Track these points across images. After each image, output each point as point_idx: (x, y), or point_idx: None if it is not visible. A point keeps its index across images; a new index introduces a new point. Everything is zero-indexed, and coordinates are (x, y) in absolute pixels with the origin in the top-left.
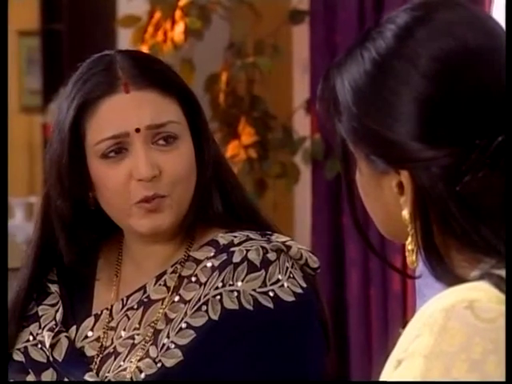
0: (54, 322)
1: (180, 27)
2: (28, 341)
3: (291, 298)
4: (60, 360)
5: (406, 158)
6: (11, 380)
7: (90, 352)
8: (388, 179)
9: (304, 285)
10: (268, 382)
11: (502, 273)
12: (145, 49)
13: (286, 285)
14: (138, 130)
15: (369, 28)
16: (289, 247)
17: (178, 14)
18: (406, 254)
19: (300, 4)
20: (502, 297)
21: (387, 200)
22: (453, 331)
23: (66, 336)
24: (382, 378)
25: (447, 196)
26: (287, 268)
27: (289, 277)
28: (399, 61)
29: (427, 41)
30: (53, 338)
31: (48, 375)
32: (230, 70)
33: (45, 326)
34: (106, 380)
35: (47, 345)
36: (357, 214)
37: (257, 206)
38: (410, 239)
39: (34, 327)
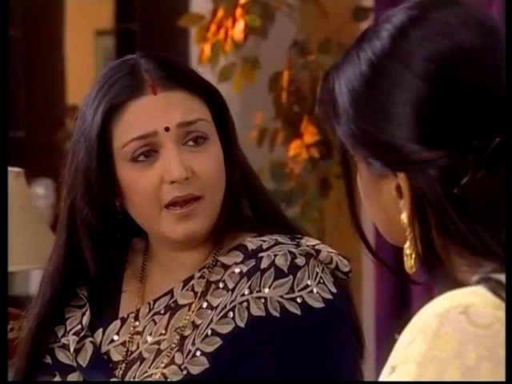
0: (80, 326)
1: (240, 25)
2: (54, 342)
3: (320, 304)
4: (84, 365)
5: (402, 160)
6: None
7: (115, 357)
8: (387, 182)
9: (334, 290)
10: (273, 382)
11: (501, 277)
12: (207, 47)
13: (315, 290)
14: (167, 129)
15: (367, 28)
16: (318, 251)
17: (238, 11)
18: (404, 258)
19: (364, 1)
20: (499, 302)
21: (387, 204)
22: (446, 337)
23: (91, 341)
24: None
25: (444, 198)
26: (317, 273)
27: (318, 282)
28: (393, 62)
29: (421, 41)
30: (78, 342)
31: (74, 378)
32: (292, 69)
33: (70, 330)
34: None
35: (71, 349)
36: (357, 218)
37: (283, 210)
38: (408, 243)
39: (59, 329)
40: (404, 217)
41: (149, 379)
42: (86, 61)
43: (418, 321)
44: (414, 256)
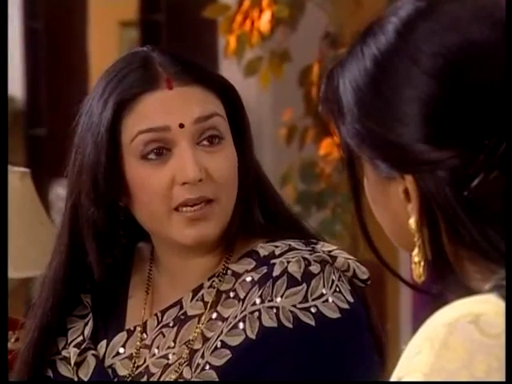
0: (81, 338)
1: (266, 16)
2: (56, 354)
3: (336, 315)
4: (86, 380)
5: (410, 161)
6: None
7: (121, 371)
8: (394, 185)
9: (351, 299)
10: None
11: None
12: (232, 40)
13: (330, 300)
14: (182, 126)
15: (372, 21)
16: (334, 258)
17: (265, 1)
18: (412, 266)
19: None
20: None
21: (395, 208)
22: (455, 347)
23: (93, 354)
24: None
25: (455, 201)
26: (333, 281)
27: (334, 291)
28: (399, 57)
29: (429, 35)
30: (79, 355)
31: None
32: (324, 62)
33: (71, 341)
34: None
35: (72, 362)
36: (364, 222)
37: (298, 215)
38: (416, 250)
39: (60, 340)
40: (412, 221)
41: None
42: (110, 54)
43: (425, 330)
44: (422, 264)
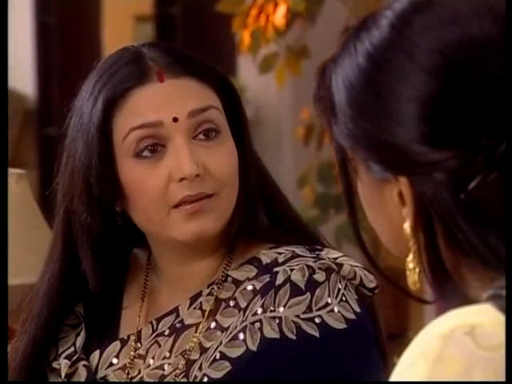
0: (72, 349)
1: (281, 10)
2: (46, 365)
3: (342, 325)
4: None
5: (406, 162)
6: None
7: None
8: (389, 188)
9: (358, 309)
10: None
11: None
12: (246, 35)
13: (336, 310)
14: (175, 120)
15: (367, 15)
16: (340, 265)
17: None
18: (407, 273)
19: None
20: None
21: (390, 212)
22: (450, 360)
23: (84, 365)
24: None
25: (453, 205)
26: (339, 290)
27: (340, 300)
28: (395, 53)
29: (426, 30)
30: (70, 366)
31: None
32: None
33: (62, 353)
34: None
35: (62, 375)
36: (357, 227)
37: (302, 219)
38: (411, 256)
39: (50, 351)
40: (407, 226)
41: None
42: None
43: (419, 342)
44: (417, 270)
